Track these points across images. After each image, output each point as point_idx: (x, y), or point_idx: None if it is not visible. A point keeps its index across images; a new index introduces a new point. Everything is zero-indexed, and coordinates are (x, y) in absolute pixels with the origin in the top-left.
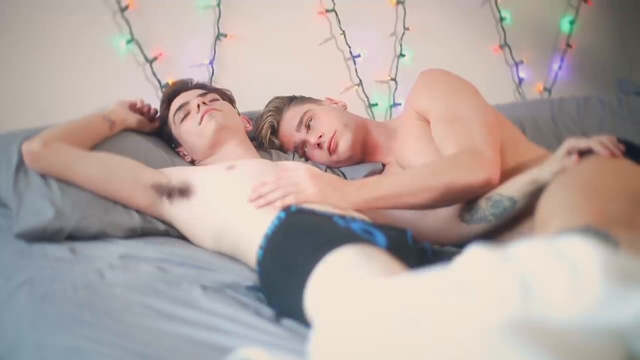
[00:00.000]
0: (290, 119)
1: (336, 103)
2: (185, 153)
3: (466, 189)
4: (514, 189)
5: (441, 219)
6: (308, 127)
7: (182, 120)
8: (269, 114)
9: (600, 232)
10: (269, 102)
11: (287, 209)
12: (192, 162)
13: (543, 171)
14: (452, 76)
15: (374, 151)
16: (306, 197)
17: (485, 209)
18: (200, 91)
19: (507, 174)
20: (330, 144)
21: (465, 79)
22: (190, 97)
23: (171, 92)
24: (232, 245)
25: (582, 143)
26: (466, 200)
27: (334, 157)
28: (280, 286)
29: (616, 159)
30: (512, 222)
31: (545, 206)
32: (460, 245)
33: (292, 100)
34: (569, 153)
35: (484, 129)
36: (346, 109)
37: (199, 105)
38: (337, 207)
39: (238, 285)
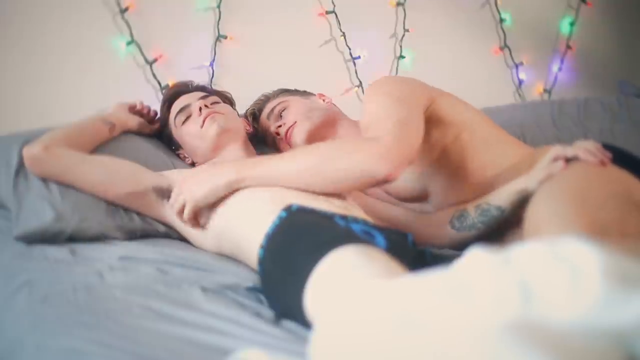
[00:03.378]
0: (268, 109)
1: (323, 99)
2: (186, 155)
3: (358, 177)
4: (501, 199)
5: (435, 225)
6: (280, 117)
7: (184, 122)
8: (256, 101)
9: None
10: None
11: (288, 208)
12: (193, 165)
13: (530, 181)
14: (384, 84)
15: None
16: (182, 204)
17: (475, 217)
18: (201, 94)
19: (489, 177)
20: (287, 133)
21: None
22: (191, 100)
23: (172, 94)
24: (233, 246)
25: (569, 151)
26: (360, 189)
27: (291, 147)
28: (281, 285)
29: (604, 166)
30: (500, 231)
31: (534, 215)
32: (454, 250)
33: (284, 92)
34: (555, 160)
35: (395, 122)
36: (331, 106)
37: (200, 108)
38: (335, 206)
39: (238, 287)
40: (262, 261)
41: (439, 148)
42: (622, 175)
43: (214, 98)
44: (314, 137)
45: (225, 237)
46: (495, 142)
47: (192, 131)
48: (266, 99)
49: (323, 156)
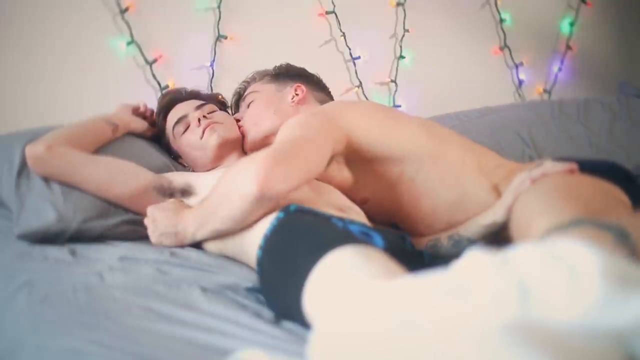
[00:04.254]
0: (244, 97)
1: (295, 93)
2: (186, 164)
3: (239, 203)
4: (471, 231)
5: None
6: (248, 107)
7: (183, 133)
8: (243, 82)
9: (597, 221)
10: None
11: (286, 209)
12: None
13: (497, 213)
14: (295, 119)
15: None
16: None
17: (447, 247)
18: (196, 102)
19: (448, 210)
20: (240, 129)
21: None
22: (187, 109)
23: (166, 103)
24: (235, 247)
25: (534, 173)
26: (259, 214)
27: (243, 145)
28: (279, 286)
29: (573, 174)
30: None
31: (525, 210)
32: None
33: (268, 75)
34: (522, 183)
35: (280, 142)
36: (298, 103)
37: (199, 119)
38: (335, 208)
39: (238, 287)
40: (261, 262)
41: (385, 181)
42: (597, 180)
43: (211, 107)
44: (256, 145)
45: (227, 239)
46: (450, 173)
47: (192, 142)
48: (252, 80)
49: (213, 197)
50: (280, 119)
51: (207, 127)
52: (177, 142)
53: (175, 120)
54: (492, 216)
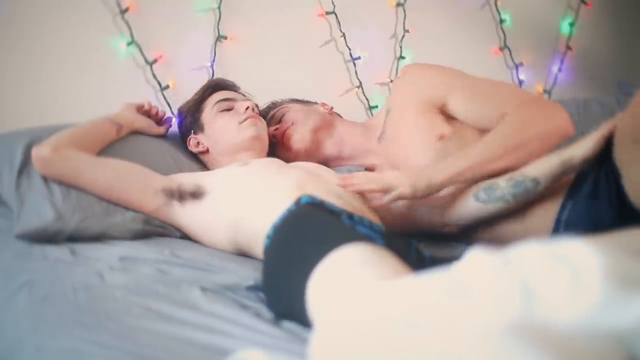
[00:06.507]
0: (270, 115)
1: (325, 107)
2: (202, 142)
3: (553, 136)
4: (539, 171)
5: (453, 196)
6: (279, 122)
7: (223, 110)
8: (263, 108)
9: None
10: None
11: (297, 202)
12: (201, 153)
13: (573, 155)
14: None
15: (351, 154)
16: (401, 192)
17: (505, 188)
18: (244, 97)
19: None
20: (282, 135)
21: None
22: (237, 96)
23: (220, 83)
24: (245, 239)
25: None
26: (548, 151)
27: (288, 149)
28: (282, 276)
29: None
30: (491, 225)
31: None
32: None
33: (291, 101)
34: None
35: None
36: (330, 112)
37: (247, 108)
38: (350, 206)
39: (238, 287)
40: (267, 251)
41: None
42: None
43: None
44: (311, 138)
45: (238, 232)
46: None
47: (228, 123)
48: (273, 105)
49: (522, 128)
50: (322, 118)
51: (251, 117)
52: (211, 115)
53: (223, 97)
54: (570, 152)
